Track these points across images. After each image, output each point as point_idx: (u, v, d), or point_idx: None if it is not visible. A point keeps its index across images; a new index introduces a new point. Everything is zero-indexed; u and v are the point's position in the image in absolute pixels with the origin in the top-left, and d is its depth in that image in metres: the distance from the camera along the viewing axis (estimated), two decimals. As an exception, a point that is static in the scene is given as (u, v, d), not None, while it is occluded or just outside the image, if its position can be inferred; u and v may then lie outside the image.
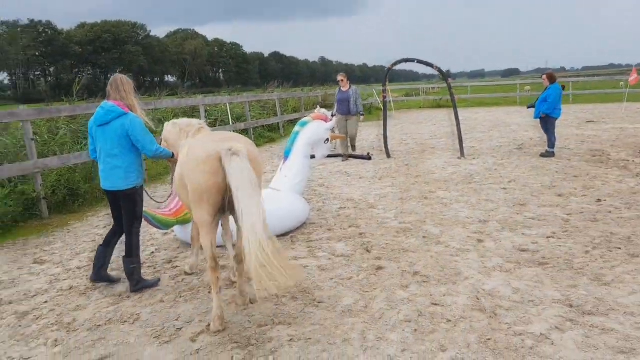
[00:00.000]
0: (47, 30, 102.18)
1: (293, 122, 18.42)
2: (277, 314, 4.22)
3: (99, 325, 4.22)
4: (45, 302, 4.83)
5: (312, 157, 7.29)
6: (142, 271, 5.32)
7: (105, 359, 3.67)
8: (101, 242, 5.20)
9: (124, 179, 4.74)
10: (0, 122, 8.78)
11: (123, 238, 5.03)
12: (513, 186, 8.76)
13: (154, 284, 5.04)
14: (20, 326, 4.33)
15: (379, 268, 5.18)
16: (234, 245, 4.62)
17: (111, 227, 5.21)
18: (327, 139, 7.24)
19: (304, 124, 7.17)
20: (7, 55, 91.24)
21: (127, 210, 4.88)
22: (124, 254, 4.96)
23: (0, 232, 7.37)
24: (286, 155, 7.08)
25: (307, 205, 7.04)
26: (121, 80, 4.76)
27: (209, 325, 4.06)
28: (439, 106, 31.67)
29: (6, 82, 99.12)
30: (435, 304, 4.29)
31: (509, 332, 3.77)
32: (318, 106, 8.10)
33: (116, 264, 5.42)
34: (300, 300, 4.49)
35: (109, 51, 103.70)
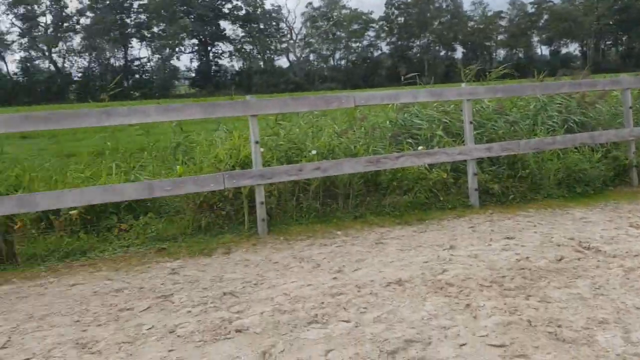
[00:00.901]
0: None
1: None
2: None
3: None
4: (650, 264, 4.98)
5: None
6: None
7: None
8: None
9: None
10: (602, 89, 9.24)
11: None
12: None
13: None
14: (627, 279, 4.65)
15: None
16: None
17: None
18: None
19: None
20: (582, 26, 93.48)
21: None
22: None
23: (592, 193, 7.98)
24: None
25: None
26: None
27: None
28: None
29: (576, 52, 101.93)
30: None
31: None
32: None
33: None
34: None
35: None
